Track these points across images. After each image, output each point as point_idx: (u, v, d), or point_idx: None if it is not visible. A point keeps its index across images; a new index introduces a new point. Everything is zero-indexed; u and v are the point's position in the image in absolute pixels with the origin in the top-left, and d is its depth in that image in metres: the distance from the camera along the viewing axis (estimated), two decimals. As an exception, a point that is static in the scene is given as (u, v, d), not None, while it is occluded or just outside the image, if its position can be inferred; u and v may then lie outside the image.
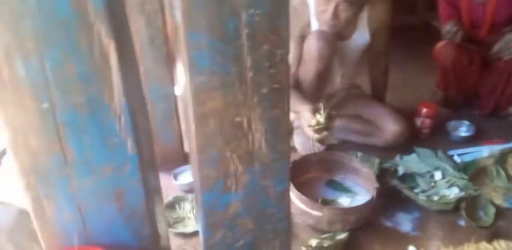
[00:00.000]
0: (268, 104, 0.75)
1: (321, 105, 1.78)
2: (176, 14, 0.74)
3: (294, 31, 1.98)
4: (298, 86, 2.04)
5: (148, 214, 0.85)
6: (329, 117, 1.74)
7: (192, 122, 0.77)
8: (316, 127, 1.71)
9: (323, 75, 2.02)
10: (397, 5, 3.00)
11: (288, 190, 0.83)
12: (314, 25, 1.97)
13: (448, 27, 2.13)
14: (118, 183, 0.82)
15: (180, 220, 1.76)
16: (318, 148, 2.14)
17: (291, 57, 2.01)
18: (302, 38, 1.98)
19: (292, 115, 2.25)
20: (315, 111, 1.76)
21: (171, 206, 1.81)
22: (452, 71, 2.28)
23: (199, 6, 0.71)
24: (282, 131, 0.78)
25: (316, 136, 1.72)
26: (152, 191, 0.87)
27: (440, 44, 2.28)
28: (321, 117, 1.71)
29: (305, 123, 1.76)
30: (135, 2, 1.64)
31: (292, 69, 2.02)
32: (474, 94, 2.40)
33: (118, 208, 0.84)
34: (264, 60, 0.73)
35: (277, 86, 0.74)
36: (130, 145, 0.77)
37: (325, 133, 1.72)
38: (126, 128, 0.76)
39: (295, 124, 2.17)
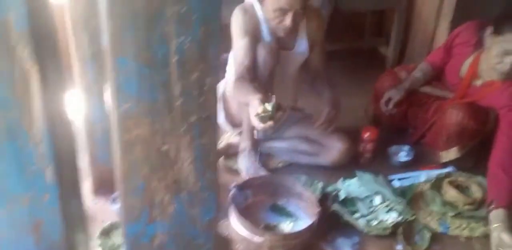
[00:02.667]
0: (197, 132, 0.74)
1: (272, 96, 1.74)
2: (104, 38, 0.72)
3: (247, 27, 1.97)
4: (251, 78, 1.97)
5: (67, 245, 0.80)
6: (278, 108, 1.69)
7: (117, 150, 0.74)
8: (262, 114, 1.66)
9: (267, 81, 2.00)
10: (345, 29, 3.09)
11: (215, 220, 0.81)
12: (264, 29, 2.01)
13: (382, 106, 2.27)
14: (36, 214, 0.77)
15: (115, 248, 1.68)
16: (263, 170, 2.13)
17: (243, 52, 1.96)
18: (255, 38, 1.98)
19: (237, 137, 2.24)
20: (264, 100, 1.71)
21: (106, 232, 1.72)
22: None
23: (127, 32, 0.69)
24: (211, 159, 0.77)
25: (261, 125, 1.68)
26: (73, 220, 0.83)
27: (380, 79, 2.37)
28: (269, 106, 1.67)
29: (253, 112, 1.71)
30: (78, 18, 1.59)
31: (245, 62, 1.96)
32: (405, 124, 2.47)
33: (35, 240, 0.79)
34: (193, 88, 0.72)
35: (206, 114, 0.73)
36: (48, 173, 0.73)
37: (270, 123, 1.68)
38: (45, 156, 0.73)
39: (241, 146, 2.16)
